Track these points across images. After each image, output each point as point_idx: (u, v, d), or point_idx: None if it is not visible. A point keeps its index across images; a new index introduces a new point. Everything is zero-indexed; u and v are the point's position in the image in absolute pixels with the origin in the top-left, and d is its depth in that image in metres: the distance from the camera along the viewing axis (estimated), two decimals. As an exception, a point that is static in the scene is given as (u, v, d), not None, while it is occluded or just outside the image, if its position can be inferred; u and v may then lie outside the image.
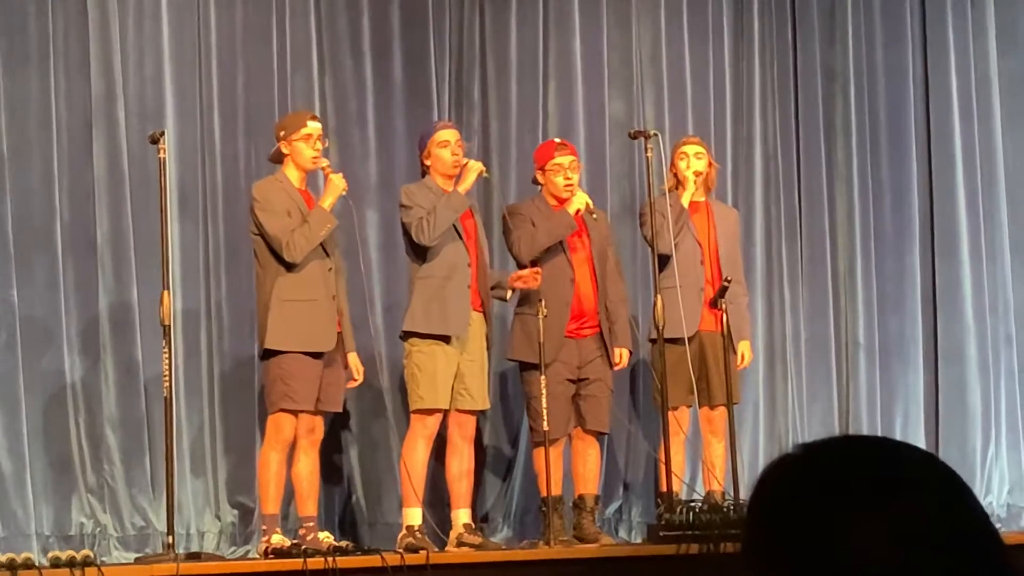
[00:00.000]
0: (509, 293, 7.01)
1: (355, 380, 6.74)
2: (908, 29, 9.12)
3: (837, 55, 8.97)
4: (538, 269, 6.84)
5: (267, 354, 6.45)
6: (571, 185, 7.02)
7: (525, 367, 6.97)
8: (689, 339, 7.01)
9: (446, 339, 6.68)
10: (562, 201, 7.02)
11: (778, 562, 1.32)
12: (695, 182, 7.26)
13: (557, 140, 7.29)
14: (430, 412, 6.69)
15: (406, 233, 6.74)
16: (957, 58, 9.16)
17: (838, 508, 1.30)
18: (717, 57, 8.71)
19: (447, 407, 6.71)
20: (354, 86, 8.00)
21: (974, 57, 9.20)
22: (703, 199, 7.35)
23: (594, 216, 7.08)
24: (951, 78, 9.14)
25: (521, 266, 6.92)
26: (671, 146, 7.38)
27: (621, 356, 7.09)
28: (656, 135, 7.10)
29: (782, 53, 8.88)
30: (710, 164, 7.37)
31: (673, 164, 7.30)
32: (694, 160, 7.29)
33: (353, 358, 6.67)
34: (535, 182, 7.20)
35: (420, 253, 6.72)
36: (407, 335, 6.74)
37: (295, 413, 6.44)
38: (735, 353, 7.22)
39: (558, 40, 8.39)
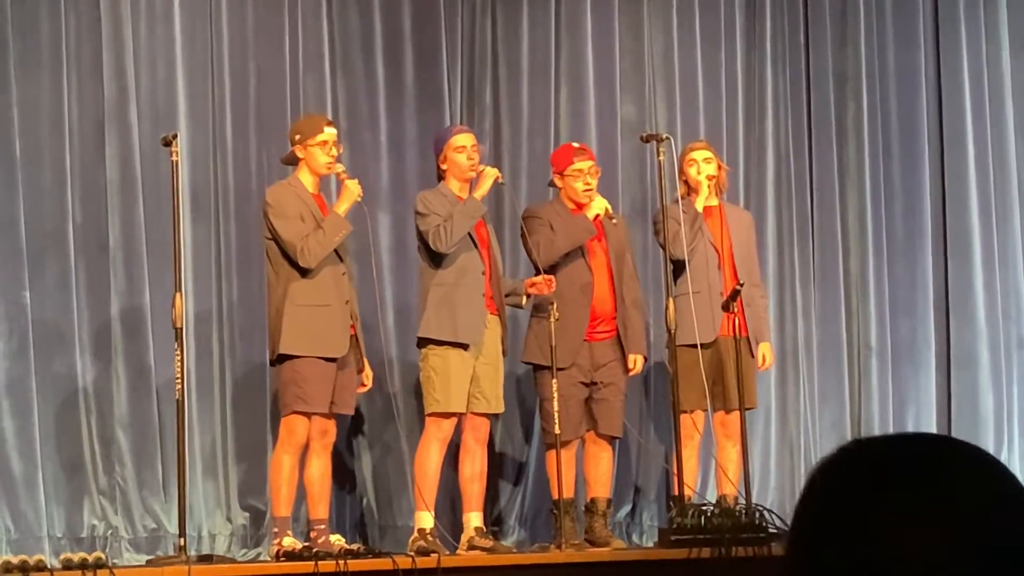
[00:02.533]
0: (524, 299, 7.01)
1: (364, 385, 6.74)
2: (920, 32, 9.10)
3: (849, 58, 8.96)
4: (551, 277, 6.84)
5: (281, 358, 6.45)
6: (590, 190, 7.02)
7: (539, 369, 6.97)
8: (708, 344, 7.00)
9: (462, 345, 6.68)
10: (580, 205, 7.02)
11: (827, 562, 1.29)
12: (708, 186, 7.24)
13: (575, 144, 7.28)
14: (446, 416, 6.69)
15: (422, 240, 6.74)
16: (970, 61, 9.15)
17: (891, 506, 1.27)
18: (729, 60, 8.70)
19: (463, 411, 6.71)
20: (366, 89, 8.00)
21: (987, 60, 9.18)
22: (716, 203, 7.33)
23: (614, 221, 7.08)
24: (963, 81, 9.12)
25: (538, 271, 6.92)
26: (679, 152, 7.36)
27: (635, 362, 7.08)
28: (668, 139, 7.09)
29: (794, 56, 8.87)
30: (719, 167, 7.35)
31: (682, 171, 7.27)
32: (703, 165, 7.27)
33: (365, 365, 6.68)
34: (552, 185, 7.20)
35: (435, 259, 6.71)
36: (422, 341, 6.74)
37: (308, 416, 6.44)
38: (754, 356, 7.20)
39: (570, 43, 8.38)
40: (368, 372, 6.71)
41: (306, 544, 6.34)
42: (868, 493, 1.29)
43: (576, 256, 7.01)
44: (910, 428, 8.74)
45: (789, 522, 1.35)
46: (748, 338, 7.14)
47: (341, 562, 5.91)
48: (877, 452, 1.33)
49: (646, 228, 8.13)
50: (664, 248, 7.12)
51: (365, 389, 6.80)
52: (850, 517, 1.28)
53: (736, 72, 8.70)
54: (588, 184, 7.02)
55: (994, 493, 1.29)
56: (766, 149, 8.72)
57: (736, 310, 7.01)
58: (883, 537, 1.26)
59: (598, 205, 6.99)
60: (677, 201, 7.15)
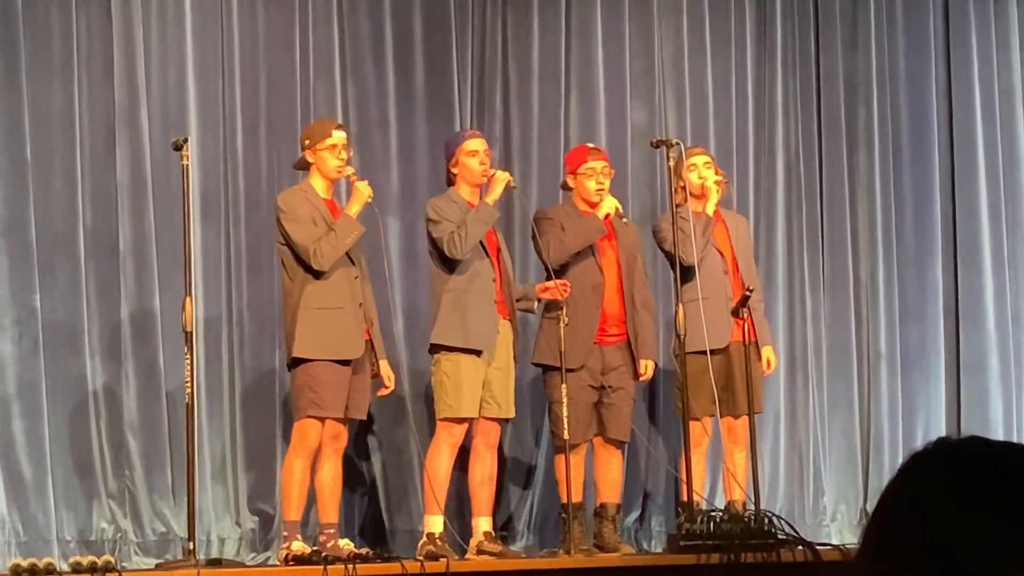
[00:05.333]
0: (536, 304, 7.00)
1: (387, 388, 6.73)
2: (931, 38, 9.10)
3: (859, 63, 8.95)
4: (565, 281, 6.83)
5: (295, 362, 6.45)
6: (602, 189, 7.02)
7: (548, 371, 6.97)
8: (719, 350, 6.99)
9: (475, 351, 6.68)
10: (593, 205, 7.02)
11: (914, 564, 1.27)
12: (717, 191, 7.23)
13: (590, 145, 7.29)
14: (458, 420, 6.69)
15: (434, 246, 6.73)
16: (980, 67, 9.14)
17: (982, 509, 1.26)
18: (739, 65, 8.69)
19: (475, 415, 6.71)
20: (376, 93, 8.01)
21: (997, 66, 9.18)
22: (715, 208, 7.31)
23: (624, 220, 7.08)
24: (974, 87, 9.12)
25: (549, 271, 6.91)
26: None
27: (646, 368, 7.07)
28: (678, 144, 7.08)
29: (804, 61, 8.86)
30: (718, 172, 7.33)
31: (681, 177, 7.21)
32: (704, 169, 7.25)
33: (384, 366, 6.67)
34: (565, 187, 7.20)
35: (448, 265, 6.71)
36: (435, 348, 6.73)
37: (322, 420, 6.44)
38: (759, 361, 7.20)
39: (580, 48, 8.38)
40: (389, 373, 6.68)
41: (315, 548, 6.34)
42: (956, 496, 1.28)
43: (587, 256, 7.00)
44: (920, 435, 8.72)
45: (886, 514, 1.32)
46: (756, 343, 7.14)
47: (350, 566, 5.91)
48: (961, 455, 1.32)
49: (656, 233, 8.12)
50: (669, 255, 7.10)
51: (387, 391, 6.77)
52: (937, 517, 1.27)
53: (746, 77, 8.70)
54: (600, 183, 7.02)
55: None
56: (776, 154, 8.71)
57: (745, 316, 7.01)
58: (974, 538, 1.26)
59: (608, 204, 6.99)
60: (678, 207, 7.11)
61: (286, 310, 6.54)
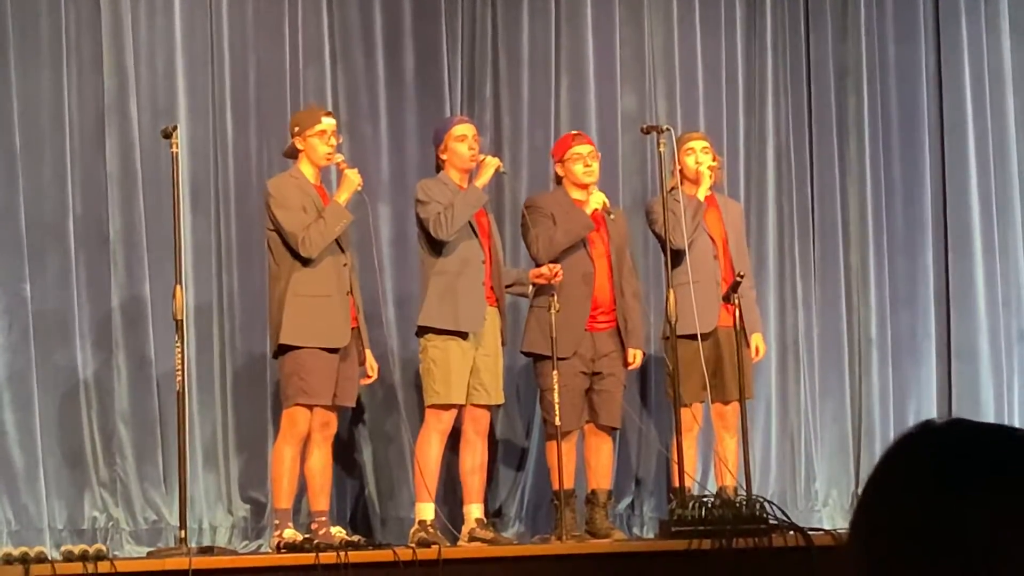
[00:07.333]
0: (530, 289, 7.00)
1: (369, 377, 6.74)
2: (921, 24, 9.10)
3: (850, 50, 8.96)
4: (559, 267, 6.83)
5: (282, 349, 6.45)
6: (590, 171, 7.02)
7: (539, 359, 6.97)
8: (707, 335, 7.00)
9: (462, 334, 6.68)
10: (583, 187, 7.02)
11: (900, 555, 1.28)
12: (710, 176, 7.23)
13: (573, 132, 7.29)
14: (446, 407, 6.69)
15: (422, 227, 6.74)
16: (970, 54, 9.14)
17: (966, 492, 1.26)
18: (729, 52, 8.69)
19: (463, 402, 6.71)
20: (366, 81, 8.00)
21: (987, 53, 9.18)
22: (709, 193, 7.32)
23: (611, 216, 7.08)
24: (964, 74, 9.12)
25: (538, 265, 6.91)
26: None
27: (635, 357, 7.08)
28: (669, 130, 7.07)
29: (795, 48, 8.87)
30: (714, 158, 7.33)
31: (677, 161, 7.21)
32: (702, 155, 7.25)
33: (368, 355, 6.68)
34: (557, 180, 7.19)
35: (435, 248, 6.71)
36: (422, 330, 6.74)
37: (310, 407, 6.44)
38: (748, 347, 7.21)
39: (570, 35, 8.38)
40: (372, 363, 6.71)
41: (307, 536, 6.34)
42: (941, 484, 1.28)
43: (577, 246, 7.01)
44: (911, 420, 8.73)
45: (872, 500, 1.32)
46: (745, 329, 7.14)
47: (342, 554, 5.90)
48: (945, 441, 1.32)
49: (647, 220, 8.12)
50: (660, 238, 7.11)
51: (370, 380, 6.80)
52: (923, 508, 1.27)
53: (736, 64, 8.70)
54: (588, 166, 7.02)
55: None
56: (766, 141, 8.72)
57: (736, 301, 7.01)
58: (965, 528, 1.26)
59: (596, 200, 7.00)
60: (671, 191, 7.11)
61: (272, 297, 6.54)
